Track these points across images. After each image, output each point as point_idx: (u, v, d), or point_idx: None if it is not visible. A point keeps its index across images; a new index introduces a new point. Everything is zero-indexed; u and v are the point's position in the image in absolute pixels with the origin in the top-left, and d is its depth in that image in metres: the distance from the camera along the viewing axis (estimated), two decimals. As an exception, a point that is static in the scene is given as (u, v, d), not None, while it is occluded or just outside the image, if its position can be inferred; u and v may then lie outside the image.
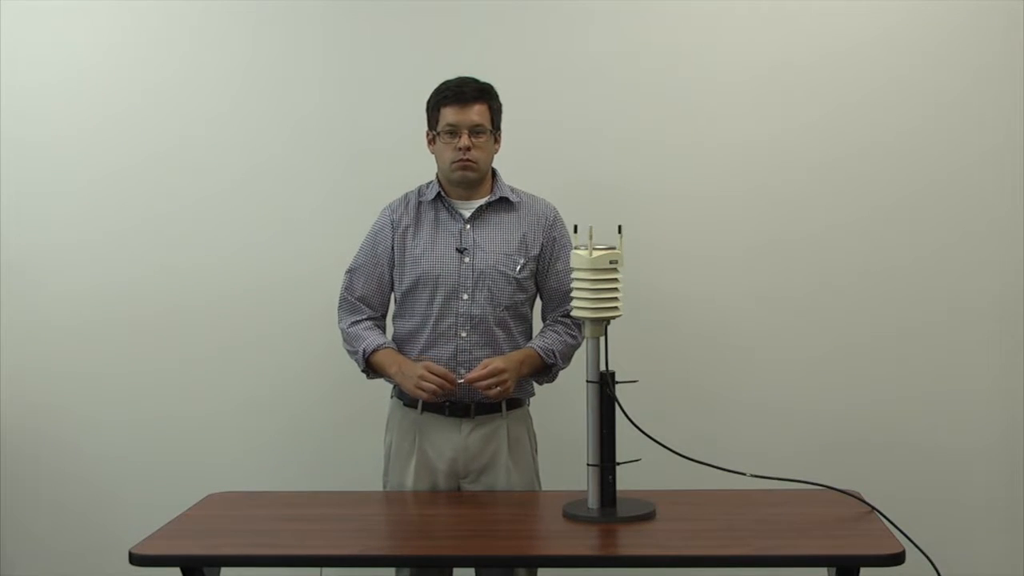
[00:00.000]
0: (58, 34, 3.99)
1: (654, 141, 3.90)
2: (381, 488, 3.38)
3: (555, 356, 3.27)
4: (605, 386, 2.91)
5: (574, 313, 2.97)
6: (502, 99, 3.34)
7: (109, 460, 4.05)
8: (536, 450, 3.39)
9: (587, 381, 2.95)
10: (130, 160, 3.99)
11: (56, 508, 4.08)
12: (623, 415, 2.92)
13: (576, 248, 2.94)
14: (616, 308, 2.91)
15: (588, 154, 3.90)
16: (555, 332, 3.31)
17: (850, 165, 3.87)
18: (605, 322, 2.93)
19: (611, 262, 2.89)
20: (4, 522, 4.08)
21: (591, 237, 2.91)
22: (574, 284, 2.93)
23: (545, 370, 3.29)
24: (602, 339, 2.93)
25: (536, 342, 3.30)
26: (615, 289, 2.90)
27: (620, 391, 2.92)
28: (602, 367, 2.93)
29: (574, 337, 3.31)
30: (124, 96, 3.99)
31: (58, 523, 4.08)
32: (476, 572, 3.39)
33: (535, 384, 3.38)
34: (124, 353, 4.02)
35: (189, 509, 3.10)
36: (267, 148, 3.98)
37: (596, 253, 2.88)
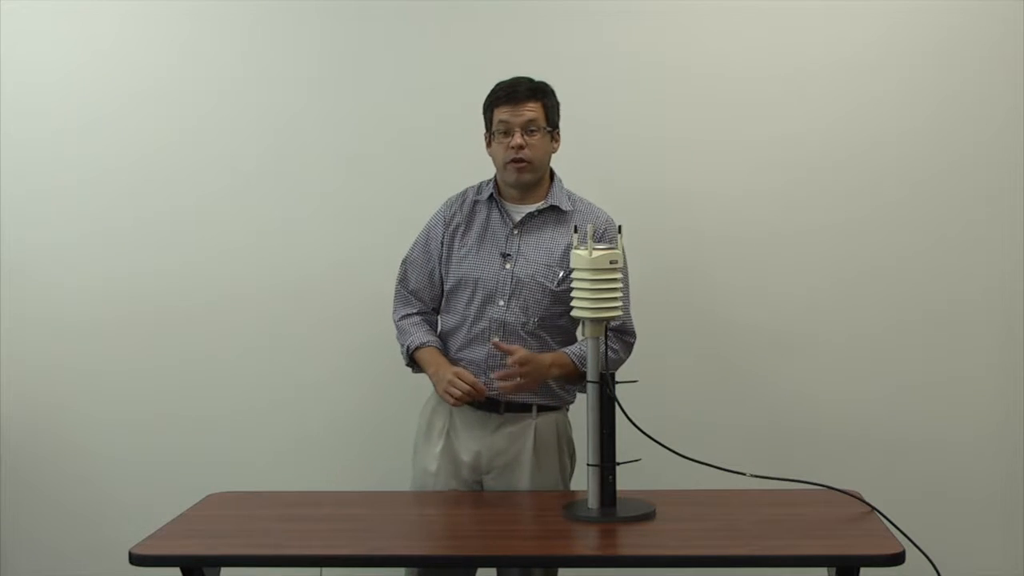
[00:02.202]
0: (56, 32, 3.99)
1: (654, 137, 3.91)
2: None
3: (587, 365, 3.23)
4: (605, 386, 2.91)
5: (574, 313, 2.96)
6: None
7: (110, 459, 4.05)
8: (571, 455, 3.35)
9: (587, 381, 2.95)
10: (133, 157, 4.00)
11: (56, 508, 4.08)
12: (623, 415, 2.92)
13: (576, 248, 2.94)
14: (616, 308, 2.91)
15: (591, 153, 3.90)
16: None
17: (849, 164, 3.88)
18: (605, 322, 2.93)
19: (611, 262, 2.89)
20: (4, 522, 4.08)
21: (591, 237, 2.91)
22: (574, 284, 2.93)
23: (579, 378, 3.22)
24: (602, 339, 2.93)
25: (572, 348, 3.25)
26: (615, 289, 2.90)
27: (620, 391, 2.92)
28: (602, 367, 2.93)
29: (615, 351, 3.22)
30: (124, 93, 3.99)
31: (58, 523, 4.08)
32: (498, 572, 3.39)
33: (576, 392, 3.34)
34: (124, 352, 4.03)
35: (189, 509, 3.09)
36: (271, 143, 3.98)
37: (596, 253, 2.88)
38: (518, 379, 3.13)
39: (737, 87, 3.88)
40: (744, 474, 2.97)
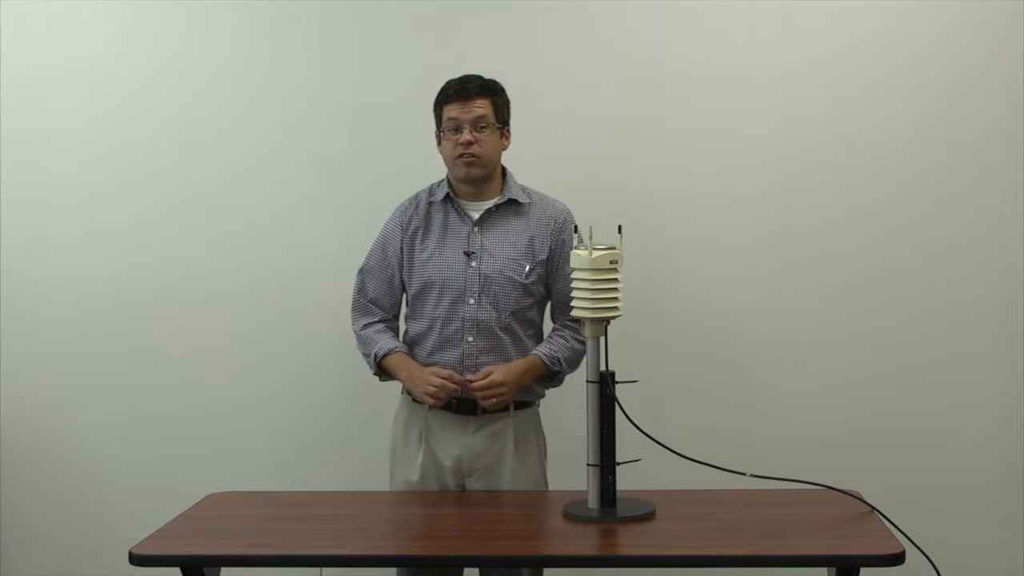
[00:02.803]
0: (56, 30, 3.99)
1: (654, 136, 3.90)
2: (384, 485, 3.39)
3: (560, 363, 3.26)
4: (605, 386, 2.91)
5: (574, 313, 2.96)
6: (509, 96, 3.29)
7: (109, 459, 4.05)
8: (545, 451, 3.38)
9: (587, 381, 2.95)
10: (131, 156, 4.00)
11: (56, 507, 4.08)
12: (623, 415, 2.92)
13: (576, 248, 2.93)
14: (616, 308, 2.91)
15: (587, 152, 3.90)
16: (562, 338, 3.29)
17: (845, 163, 3.87)
18: (605, 322, 2.93)
19: (611, 262, 2.89)
20: (4, 521, 4.08)
21: (591, 237, 2.91)
22: (574, 284, 2.93)
23: (551, 377, 3.28)
24: (602, 339, 2.93)
25: (542, 349, 3.28)
26: (615, 289, 2.90)
27: (620, 391, 2.92)
28: (602, 367, 2.93)
29: (582, 343, 3.24)
30: (123, 91, 3.99)
31: (58, 522, 4.08)
32: (480, 572, 3.39)
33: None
34: (124, 352, 4.03)
35: (189, 509, 3.09)
36: (268, 142, 3.98)
37: (596, 253, 2.88)
38: (493, 400, 3.17)
39: (731, 86, 3.87)
40: (744, 474, 2.97)
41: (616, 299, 2.91)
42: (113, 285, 4.02)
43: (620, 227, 2.95)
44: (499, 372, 3.18)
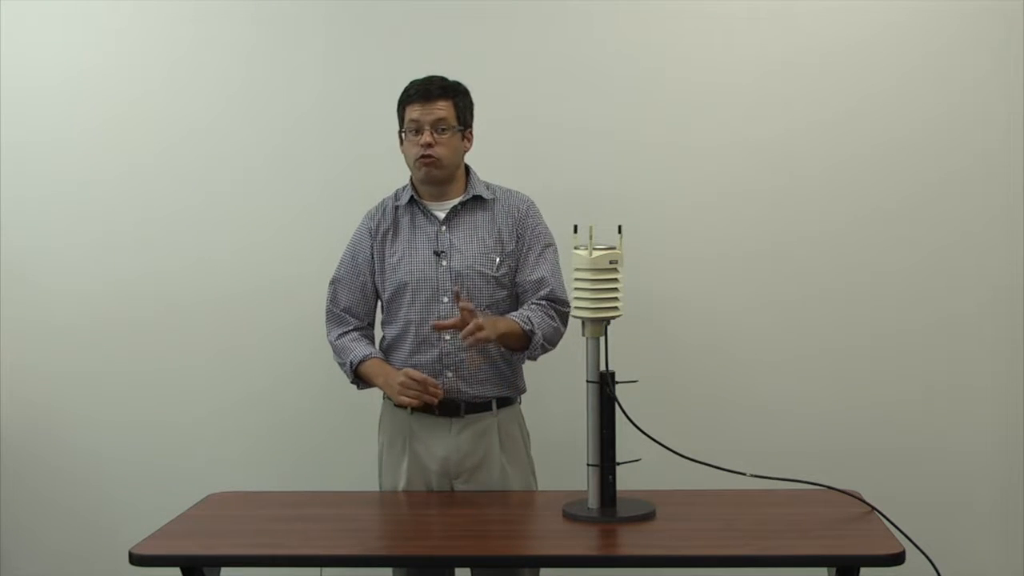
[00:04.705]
0: (57, 36, 3.99)
1: (654, 143, 3.90)
2: (378, 489, 3.39)
3: (532, 323, 3.16)
4: (605, 386, 2.91)
5: (574, 313, 2.96)
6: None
7: (109, 460, 4.05)
8: (529, 447, 3.38)
9: (587, 381, 2.94)
10: (130, 162, 4.00)
11: (56, 508, 4.08)
12: (623, 415, 2.92)
13: (576, 248, 2.93)
14: (616, 308, 2.91)
15: (588, 156, 3.90)
16: (530, 310, 3.21)
17: (848, 168, 3.87)
18: (605, 322, 2.93)
19: (611, 262, 2.89)
20: (4, 522, 4.08)
21: (591, 237, 2.91)
22: (574, 284, 2.93)
23: (524, 337, 3.16)
24: (602, 339, 2.93)
25: (512, 313, 3.21)
26: (615, 289, 2.90)
27: (620, 391, 2.92)
28: (602, 367, 2.93)
29: (553, 319, 3.23)
30: (124, 98, 3.99)
31: (58, 523, 4.08)
32: (472, 572, 3.38)
33: (523, 364, 3.34)
34: (124, 353, 4.03)
35: (189, 509, 3.10)
36: (266, 149, 3.98)
37: (596, 253, 2.88)
38: (473, 336, 3.02)
39: (731, 89, 3.87)
40: (744, 474, 2.97)
41: (616, 299, 2.91)
42: (112, 290, 4.02)
43: (620, 227, 2.95)
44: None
